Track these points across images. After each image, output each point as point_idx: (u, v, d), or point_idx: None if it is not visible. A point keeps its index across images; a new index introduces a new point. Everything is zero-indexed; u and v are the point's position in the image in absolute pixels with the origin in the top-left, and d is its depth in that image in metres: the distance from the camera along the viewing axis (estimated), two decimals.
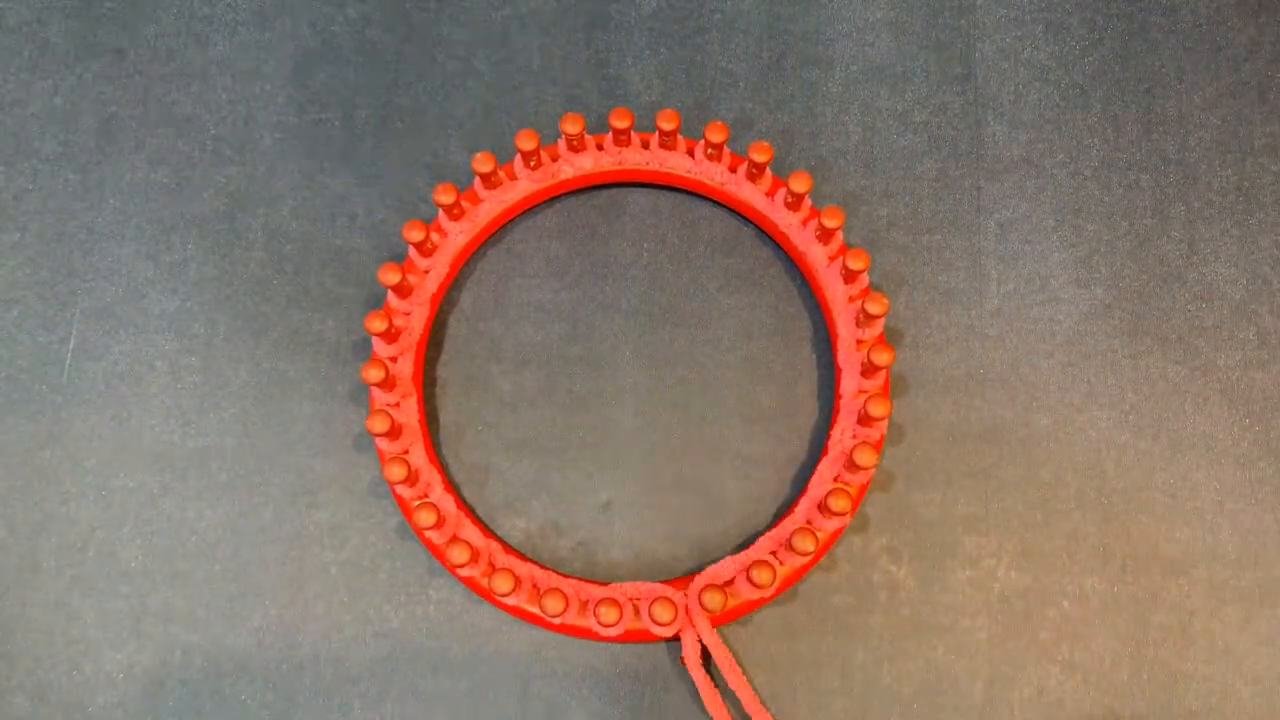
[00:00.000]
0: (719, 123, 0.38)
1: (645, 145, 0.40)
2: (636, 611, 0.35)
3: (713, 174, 0.40)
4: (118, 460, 0.39)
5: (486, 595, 0.36)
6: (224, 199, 0.42)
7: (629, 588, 0.35)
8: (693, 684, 0.37)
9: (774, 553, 0.36)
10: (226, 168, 0.42)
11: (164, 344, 0.40)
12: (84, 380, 0.40)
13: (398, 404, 0.38)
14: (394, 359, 0.38)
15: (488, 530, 0.38)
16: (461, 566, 0.35)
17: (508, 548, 0.37)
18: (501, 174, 0.39)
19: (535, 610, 0.35)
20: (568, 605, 0.34)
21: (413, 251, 0.39)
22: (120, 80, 0.44)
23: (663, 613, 0.34)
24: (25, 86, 0.43)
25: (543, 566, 0.37)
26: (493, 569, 0.35)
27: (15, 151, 0.43)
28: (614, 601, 0.34)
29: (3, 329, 0.41)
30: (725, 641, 0.37)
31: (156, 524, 0.39)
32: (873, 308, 0.36)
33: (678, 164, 0.40)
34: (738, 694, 0.35)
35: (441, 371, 0.40)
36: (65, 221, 0.42)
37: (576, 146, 0.40)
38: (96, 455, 0.39)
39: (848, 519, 0.36)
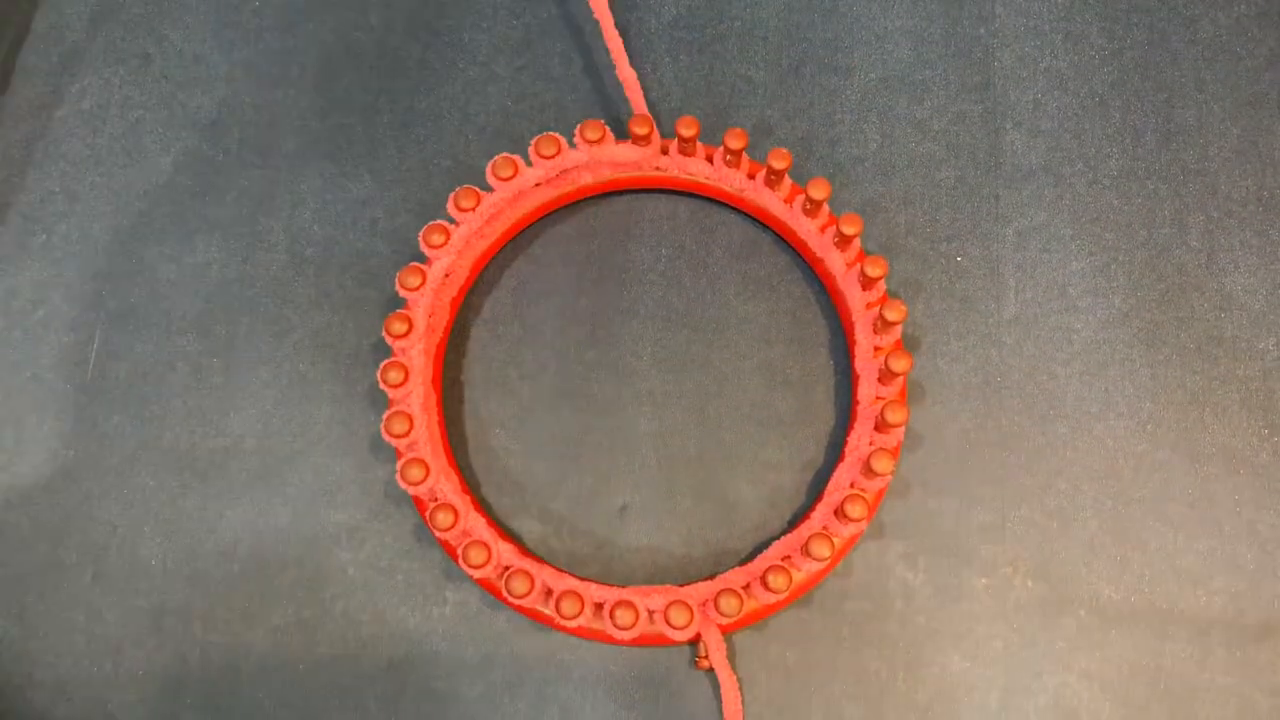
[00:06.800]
0: (738, 129, 0.38)
1: (664, 151, 0.40)
2: (652, 615, 0.35)
3: (731, 180, 0.40)
4: (139, 459, 0.40)
5: (502, 598, 0.36)
6: (247, 202, 0.42)
7: (645, 591, 0.36)
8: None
9: (789, 558, 0.36)
10: (249, 171, 0.43)
11: (186, 345, 0.41)
12: (107, 380, 0.40)
13: None
14: None
15: (504, 533, 0.38)
16: (477, 569, 0.35)
17: (524, 550, 0.37)
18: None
19: (551, 613, 0.35)
20: (583, 608, 0.34)
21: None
22: (146, 85, 0.44)
23: (679, 616, 0.34)
24: (54, 91, 0.44)
25: (558, 570, 0.37)
26: (508, 571, 0.36)
27: (43, 154, 0.43)
28: (630, 605, 0.34)
29: (29, 329, 0.41)
30: (739, 647, 0.37)
31: (177, 523, 0.39)
32: (890, 314, 0.36)
33: (697, 170, 0.40)
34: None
35: (460, 374, 0.40)
36: (90, 224, 0.42)
37: None
38: (119, 454, 0.40)
39: (864, 525, 0.36)
